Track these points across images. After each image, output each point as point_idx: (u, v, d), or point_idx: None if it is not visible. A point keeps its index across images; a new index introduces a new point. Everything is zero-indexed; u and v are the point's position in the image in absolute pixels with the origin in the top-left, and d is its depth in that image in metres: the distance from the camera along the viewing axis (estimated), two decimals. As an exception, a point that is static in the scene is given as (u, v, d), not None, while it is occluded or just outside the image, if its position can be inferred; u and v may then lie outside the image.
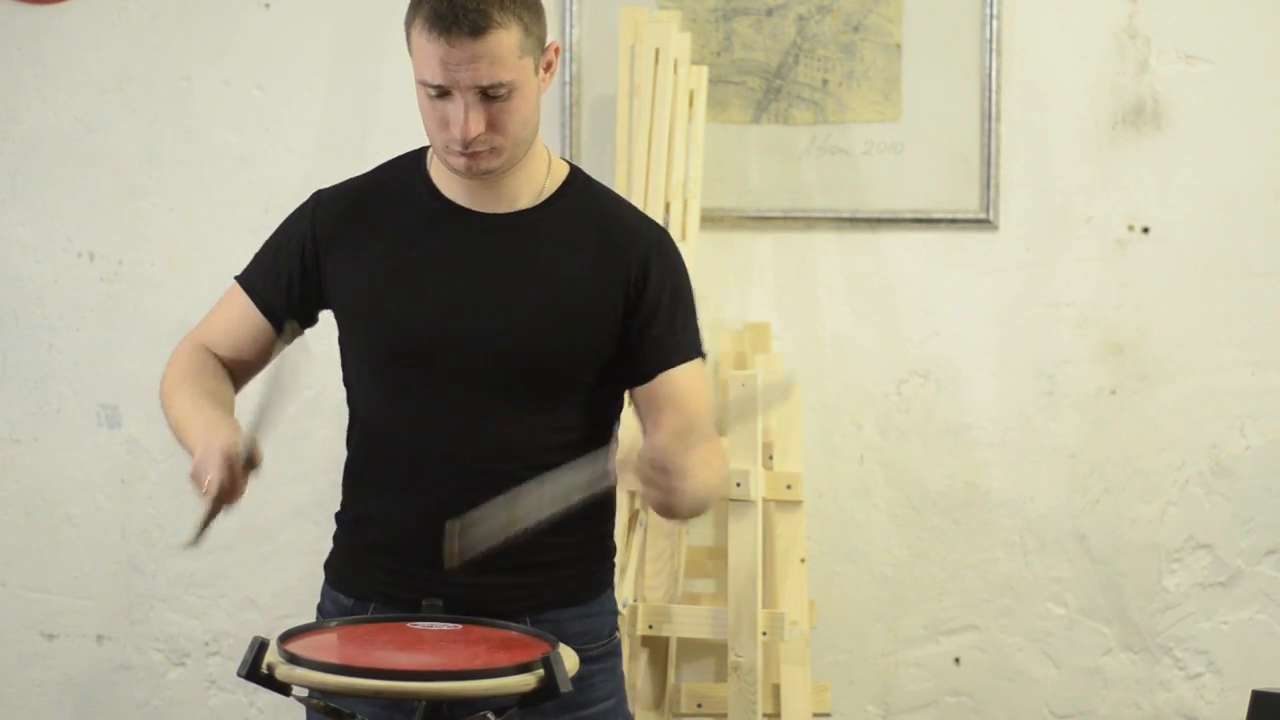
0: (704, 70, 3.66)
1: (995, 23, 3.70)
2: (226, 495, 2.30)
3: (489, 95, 2.33)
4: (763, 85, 3.75)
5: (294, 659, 2.15)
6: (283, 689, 2.18)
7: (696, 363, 2.48)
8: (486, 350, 2.41)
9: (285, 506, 3.84)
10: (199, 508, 2.32)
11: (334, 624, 2.35)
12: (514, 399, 2.41)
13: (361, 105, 3.80)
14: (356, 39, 3.80)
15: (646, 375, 2.45)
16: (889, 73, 3.74)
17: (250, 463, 2.32)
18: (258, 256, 2.57)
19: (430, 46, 2.32)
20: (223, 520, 3.89)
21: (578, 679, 2.43)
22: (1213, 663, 3.77)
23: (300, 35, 3.80)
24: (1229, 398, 3.74)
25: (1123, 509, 3.77)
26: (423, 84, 2.36)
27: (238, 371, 2.56)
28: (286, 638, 2.23)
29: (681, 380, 2.45)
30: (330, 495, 3.82)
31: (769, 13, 3.75)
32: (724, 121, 3.75)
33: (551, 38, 2.44)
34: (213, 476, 2.28)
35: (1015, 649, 3.79)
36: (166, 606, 3.88)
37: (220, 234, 3.82)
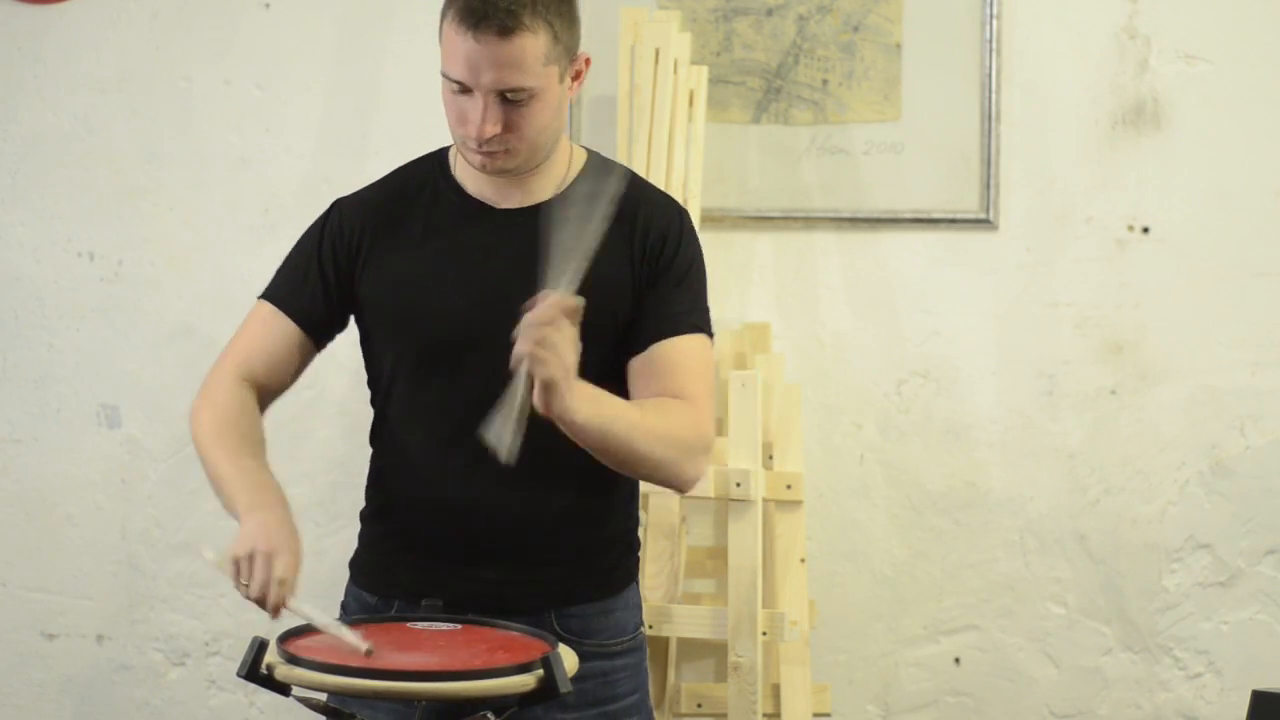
0: (704, 70, 3.66)
1: (995, 23, 3.70)
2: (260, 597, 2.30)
3: (508, 98, 2.34)
4: (763, 85, 3.75)
5: (293, 659, 2.15)
6: (282, 689, 2.19)
7: (699, 338, 2.45)
8: (512, 337, 2.41)
9: (285, 506, 3.83)
10: (227, 579, 2.32)
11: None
12: None
13: (361, 105, 3.80)
14: (356, 39, 3.80)
15: (643, 344, 2.43)
16: (889, 73, 3.74)
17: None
18: (280, 272, 2.56)
19: (458, 40, 2.33)
20: (225, 519, 3.91)
21: (602, 674, 2.45)
22: (1213, 663, 3.77)
23: (300, 35, 3.80)
24: (1229, 398, 3.74)
25: (1123, 509, 3.77)
26: (445, 77, 2.37)
27: (271, 389, 2.55)
28: (286, 638, 2.23)
29: (679, 350, 2.43)
30: (330, 495, 3.84)
31: (769, 13, 3.74)
32: (724, 121, 3.75)
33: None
34: (258, 583, 2.28)
35: (1015, 649, 3.79)
36: (166, 606, 3.88)
37: (220, 234, 3.83)
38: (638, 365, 2.44)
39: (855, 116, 3.75)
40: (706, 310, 2.50)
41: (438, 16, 2.39)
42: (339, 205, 2.56)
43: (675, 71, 3.51)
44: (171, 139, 3.83)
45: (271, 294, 2.55)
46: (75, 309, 3.86)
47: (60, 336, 3.86)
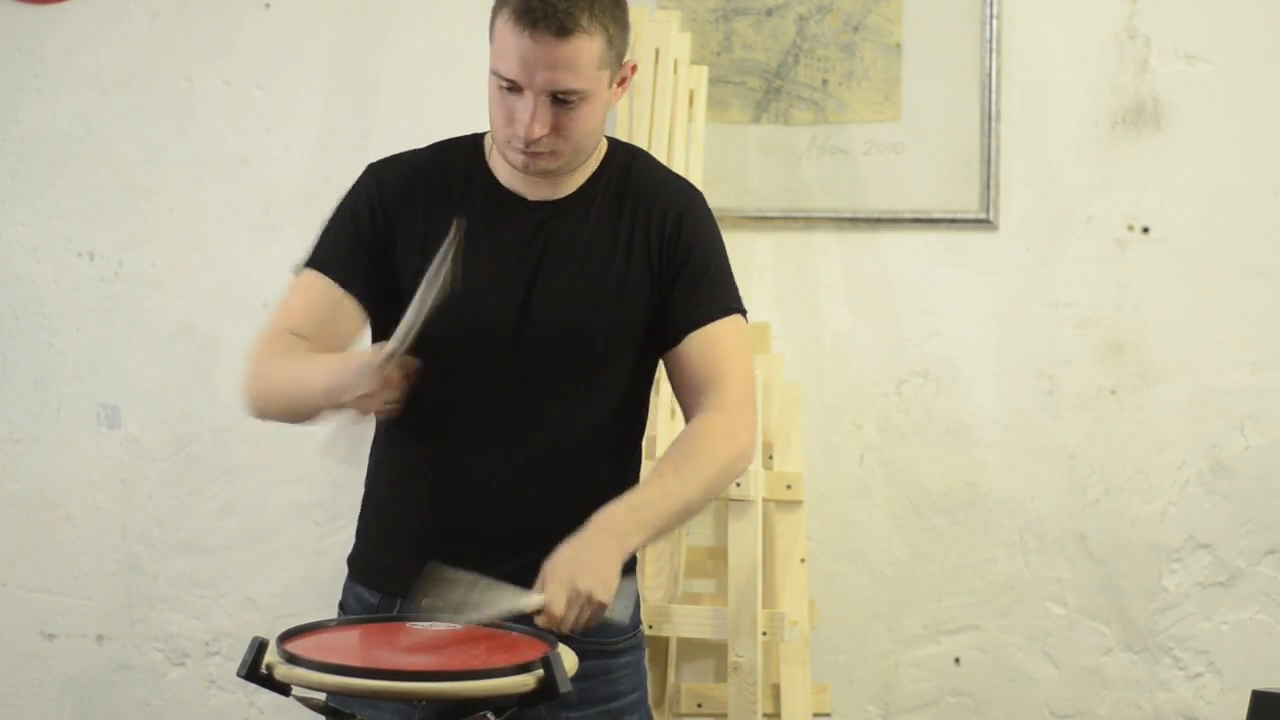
0: (704, 70, 3.66)
1: (995, 23, 3.70)
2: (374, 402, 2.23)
3: (559, 100, 2.33)
4: (763, 85, 3.75)
5: (293, 659, 2.15)
6: (282, 689, 2.18)
7: (729, 320, 2.47)
8: (532, 334, 2.42)
9: (285, 506, 3.84)
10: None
11: (333, 624, 2.35)
12: (557, 381, 2.42)
13: (361, 105, 3.80)
14: (356, 39, 3.80)
15: (677, 336, 2.45)
16: (889, 73, 3.74)
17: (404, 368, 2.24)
18: (321, 239, 2.49)
19: (513, 38, 2.31)
20: (225, 519, 3.91)
21: (604, 672, 2.44)
22: (1213, 663, 3.77)
23: (300, 35, 3.80)
24: (1229, 398, 3.74)
25: (1123, 509, 3.77)
26: (496, 75, 2.35)
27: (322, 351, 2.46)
28: (286, 638, 2.23)
29: (710, 340, 2.44)
30: (330, 495, 3.84)
31: (769, 13, 3.75)
32: (724, 121, 3.75)
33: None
34: (368, 388, 2.20)
35: (1015, 649, 3.79)
36: (166, 606, 3.88)
37: (220, 234, 3.83)
38: (673, 360, 2.46)
39: (855, 116, 3.75)
40: (733, 288, 2.50)
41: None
42: (374, 170, 2.51)
43: (675, 71, 3.51)
44: (171, 139, 3.83)
45: (315, 261, 2.47)
46: (75, 309, 3.86)
47: (60, 336, 3.86)
